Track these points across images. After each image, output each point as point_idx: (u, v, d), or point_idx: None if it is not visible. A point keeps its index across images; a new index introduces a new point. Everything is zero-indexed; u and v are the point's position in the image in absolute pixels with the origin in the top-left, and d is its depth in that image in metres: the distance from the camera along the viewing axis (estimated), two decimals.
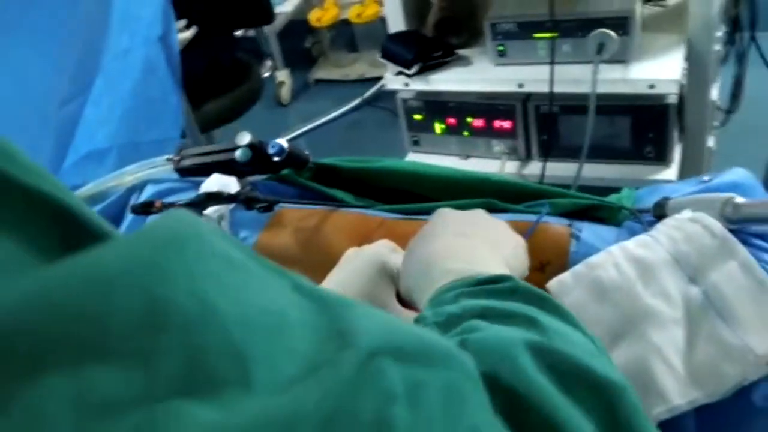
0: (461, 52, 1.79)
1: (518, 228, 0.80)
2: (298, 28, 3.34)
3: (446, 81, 1.76)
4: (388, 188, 0.92)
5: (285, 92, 3.18)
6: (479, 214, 0.72)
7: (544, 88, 1.61)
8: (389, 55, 1.79)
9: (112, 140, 1.35)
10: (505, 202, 0.85)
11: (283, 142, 0.88)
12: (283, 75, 3.17)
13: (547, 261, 0.76)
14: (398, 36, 1.82)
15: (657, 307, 0.69)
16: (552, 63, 1.56)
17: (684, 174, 1.78)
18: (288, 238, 0.85)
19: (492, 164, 1.84)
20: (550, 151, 1.75)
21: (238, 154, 0.86)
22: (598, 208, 0.82)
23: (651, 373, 0.66)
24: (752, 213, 0.70)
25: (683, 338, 0.67)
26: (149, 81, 1.43)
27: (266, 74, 2.97)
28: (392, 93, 1.86)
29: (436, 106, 1.83)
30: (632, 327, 0.69)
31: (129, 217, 0.91)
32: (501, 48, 1.69)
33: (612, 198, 0.88)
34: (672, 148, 1.69)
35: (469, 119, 1.82)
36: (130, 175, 0.94)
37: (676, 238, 0.71)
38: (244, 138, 0.87)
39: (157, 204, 0.77)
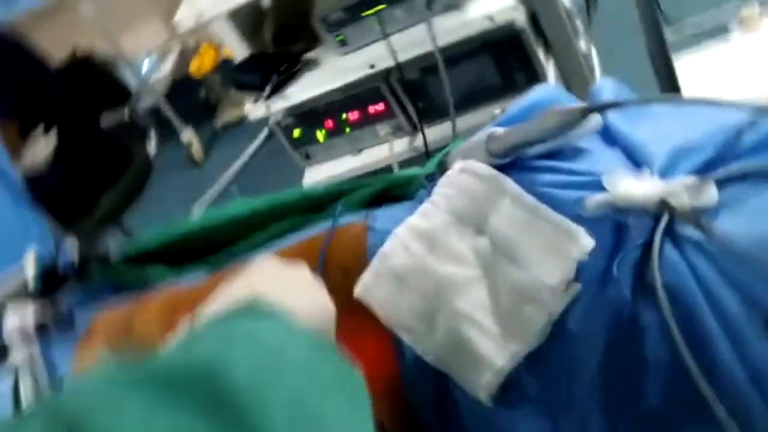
0: (307, 56, 1.75)
1: (317, 240, 0.76)
2: (185, 84, 3.29)
3: (303, 89, 1.72)
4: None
5: (196, 151, 3.14)
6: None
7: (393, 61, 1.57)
8: (241, 86, 1.75)
9: None
10: (309, 212, 0.82)
11: (71, 245, 0.84)
12: (188, 135, 3.12)
13: (347, 265, 0.72)
14: (243, 64, 1.78)
15: (452, 273, 0.65)
16: (386, 35, 1.52)
17: (569, 85, 1.74)
18: (101, 350, 0.81)
19: (383, 149, 1.80)
20: (429, 115, 1.71)
21: (30, 278, 0.83)
22: (394, 188, 0.78)
23: (468, 343, 0.62)
24: (511, 141, 0.66)
25: (486, 294, 0.63)
26: None
27: (152, 146, 2.92)
28: None
29: (307, 116, 1.79)
30: (439, 302, 0.65)
31: None
32: (340, 38, 1.65)
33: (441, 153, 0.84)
34: (541, 67, 1.65)
35: (344, 116, 1.78)
36: None
37: (451, 196, 0.67)
38: (29, 260, 0.83)
39: None
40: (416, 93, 1.68)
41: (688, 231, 0.59)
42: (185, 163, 3.20)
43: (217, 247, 0.86)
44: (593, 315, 0.60)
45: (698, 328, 0.56)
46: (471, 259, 0.65)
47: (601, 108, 0.62)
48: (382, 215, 0.75)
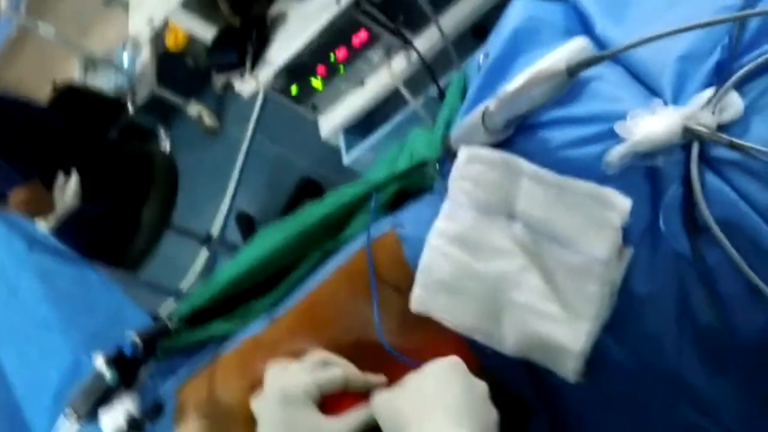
0: (271, 13, 1.67)
1: (355, 263, 0.74)
2: (169, 61, 3.21)
3: (282, 47, 1.65)
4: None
5: (209, 120, 3.09)
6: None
7: None
8: (222, 68, 1.69)
9: (71, 354, 1.34)
10: (339, 226, 0.80)
11: (133, 336, 0.85)
12: (194, 108, 3.07)
13: (396, 283, 0.70)
14: (215, 46, 1.71)
15: (500, 269, 0.62)
16: None
17: None
18: (197, 424, 0.82)
19: (383, 74, 1.74)
20: (413, 24, 1.63)
21: (108, 379, 0.83)
22: (409, 185, 0.75)
23: (540, 335, 0.60)
24: (505, 117, 0.61)
25: (541, 280, 0.61)
26: (52, 285, 1.41)
27: (166, 142, 2.87)
28: None
29: (297, 71, 1.73)
30: (498, 300, 0.63)
31: None
32: None
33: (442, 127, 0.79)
34: None
35: (332, 57, 1.71)
36: None
37: (469, 190, 0.64)
38: (99, 361, 0.84)
39: None
40: (392, 8, 1.59)
41: (724, 152, 0.54)
42: (204, 137, 3.17)
43: (264, 286, 0.86)
44: (656, 271, 0.57)
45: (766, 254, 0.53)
46: (513, 248, 0.62)
47: (589, 63, 0.57)
48: (408, 219, 0.72)
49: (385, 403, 0.64)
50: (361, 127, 1.82)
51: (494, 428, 0.63)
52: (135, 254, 2.20)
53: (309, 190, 2.66)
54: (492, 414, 0.63)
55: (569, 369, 0.60)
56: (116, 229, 2.19)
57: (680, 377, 0.59)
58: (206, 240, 2.62)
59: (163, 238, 2.35)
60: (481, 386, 0.64)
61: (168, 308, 2.63)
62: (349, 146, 1.81)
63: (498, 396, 0.70)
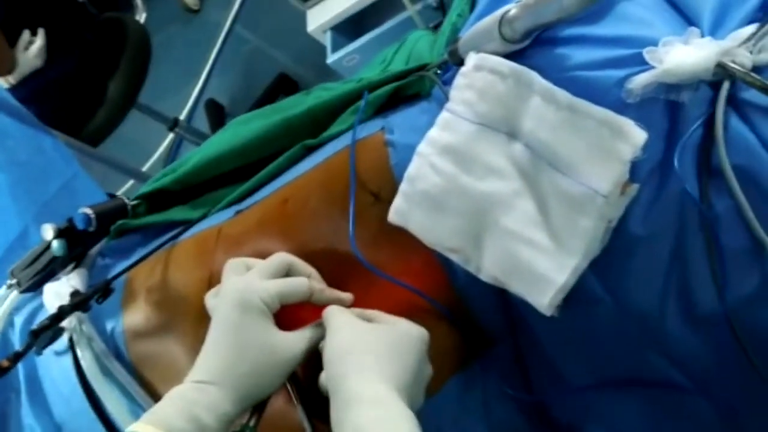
0: None
1: (337, 161, 0.69)
2: None
3: None
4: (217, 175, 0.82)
5: None
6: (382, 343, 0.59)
7: None
8: None
9: (20, 221, 1.29)
10: (324, 124, 0.74)
11: (86, 210, 0.79)
12: None
13: (374, 189, 0.66)
14: None
15: (492, 190, 0.58)
16: None
17: None
18: (146, 309, 0.78)
19: None
20: None
21: (54, 250, 0.78)
22: (405, 87, 0.69)
23: (522, 263, 0.57)
24: (531, 21, 0.55)
25: (533, 206, 0.57)
26: (5, 147, 1.33)
27: (143, 13, 2.72)
28: None
29: None
30: (483, 222, 0.59)
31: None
32: None
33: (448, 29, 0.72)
34: None
35: None
36: None
37: (471, 101, 0.58)
38: (47, 232, 0.79)
39: (3, 363, 0.72)
40: None
41: (754, 96, 0.50)
42: (181, 14, 3.02)
43: (233, 179, 0.81)
44: (657, 213, 0.54)
45: None
46: (508, 169, 0.57)
47: None
48: (399, 124, 0.67)
49: (334, 350, 0.60)
50: (351, 27, 1.74)
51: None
52: (96, 128, 2.11)
53: (285, 87, 2.57)
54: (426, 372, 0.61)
55: (546, 302, 0.56)
56: (79, 99, 2.09)
57: (657, 325, 0.56)
58: (173, 124, 2.53)
59: (127, 117, 2.25)
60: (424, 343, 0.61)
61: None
62: (336, 46, 1.73)
63: (461, 319, 0.68)
